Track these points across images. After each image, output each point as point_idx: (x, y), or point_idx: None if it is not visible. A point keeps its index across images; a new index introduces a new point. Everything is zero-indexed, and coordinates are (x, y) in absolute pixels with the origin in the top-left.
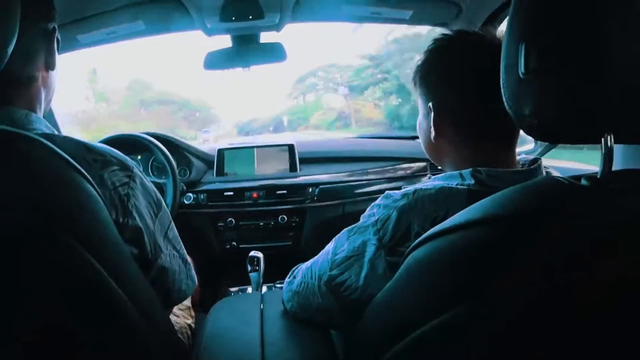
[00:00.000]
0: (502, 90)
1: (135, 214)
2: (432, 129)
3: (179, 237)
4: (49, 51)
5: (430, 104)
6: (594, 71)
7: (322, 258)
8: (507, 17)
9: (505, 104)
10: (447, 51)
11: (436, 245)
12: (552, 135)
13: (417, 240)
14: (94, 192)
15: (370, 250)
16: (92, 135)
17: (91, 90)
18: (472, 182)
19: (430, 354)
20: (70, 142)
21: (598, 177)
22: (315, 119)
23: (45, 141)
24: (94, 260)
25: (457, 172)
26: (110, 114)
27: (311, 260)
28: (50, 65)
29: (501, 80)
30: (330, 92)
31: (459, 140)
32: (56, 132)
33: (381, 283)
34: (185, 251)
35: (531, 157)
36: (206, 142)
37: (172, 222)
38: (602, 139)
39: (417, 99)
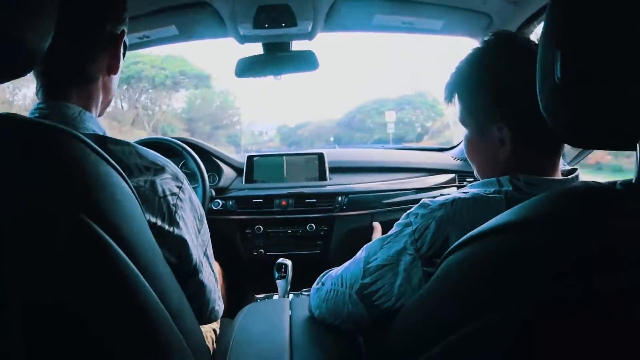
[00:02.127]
0: (538, 97)
1: (182, 225)
2: (508, 146)
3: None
4: (113, 54)
5: (499, 124)
6: (630, 77)
7: (354, 266)
8: (543, 24)
9: (542, 110)
10: (504, 55)
11: (470, 251)
12: (587, 141)
13: (452, 246)
14: (131, 193)
15: (406, 259)
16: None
17: None
18: (510, 188)
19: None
20: (122, 145)
21: (633, 182)
22: None
23: (84, 137)
24: (125, 255)
25: (495, 178)
26: None
27: (341, 267)
28: (112, 69)
29: (537, 86)
30: None
31: (511, 144)
32: (107, 134)
33: (415, 293)
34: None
35: (568, 167)
36: None
37: (210, 240)
38: (638, 145)
39: (463, 117)
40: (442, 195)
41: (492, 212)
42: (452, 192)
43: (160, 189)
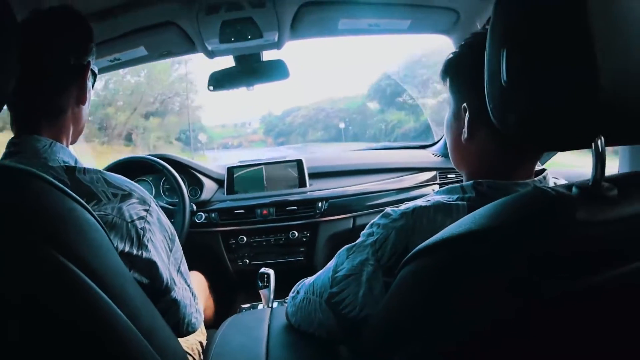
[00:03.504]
0: (486, 98)
1: (150, 247)
2: (465, 130)
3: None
4: (80, 85)
5: (464, 104)
6: (580, 74)
7: (324, 275)
8: (489, 23)
9: (490, 113)
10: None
11: (422, 263)
12: (540, 143)
13: (404, 259)
14: (96, 223)
15: (368, 270)
16: None
17: None
18: (473, 194)
19: None
20: (89, 174)
21: (589, 184)
22: None
23: (46, 176)
24: (93, 282)
25: (459, 185)
26: None
27: (314, 276)
28: (81, 100)
29: (485, 88)
30: None
31: (490, 146)
32: (79, 163)
33: (378, 303)
34: (193, 282)
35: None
36: None
37: (184, 257)
38: (593, 144)
39: (449, 96)
40: (418, 198)
41: (454, 219)
42: (416, 201)
43: (127, 215)
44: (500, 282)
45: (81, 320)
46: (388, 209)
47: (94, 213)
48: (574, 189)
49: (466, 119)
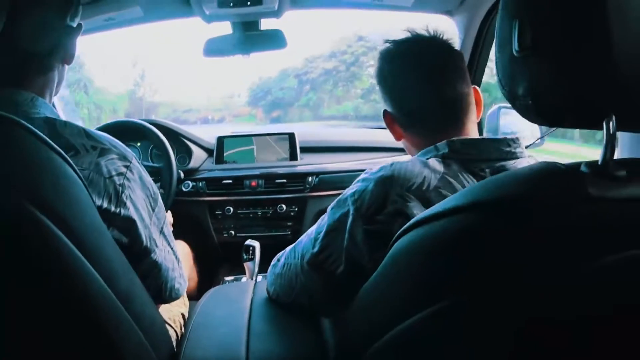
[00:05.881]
0: (495, 70)
1: (129, 204)
2: (391, 133)
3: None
4: (70, 46)
5: (383, 110)
6: (595, 49)
7: (306, 238)
8: None
9: (498, 84)
10: (397, 54)
11: (421, 233)
12: (548, 118)
13: (403, 228)
14: (74, 175)
15: (349, 220)
16: None
17: None
18: (447, 150)
19: (417, 347)
20: (71, 128)
21: (599, 164)
22: None
23: (25, 123)
24: (69, 240)
25: (433, 146)
26: None
27: (294, 243)
28: (68, 60)
29: (495, 59)
30: None
31: (414, 137)
32: (61, 117)
33: (362, 253)
34: (177, 249)
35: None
36: None
37: (167, 219)
38: (604, 124)
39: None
40: None
41: (431, 171)
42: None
43: (105, 170)
44: (506, 256)
45: (53, 279)
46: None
47: (74, 165)
48: (582, 167)
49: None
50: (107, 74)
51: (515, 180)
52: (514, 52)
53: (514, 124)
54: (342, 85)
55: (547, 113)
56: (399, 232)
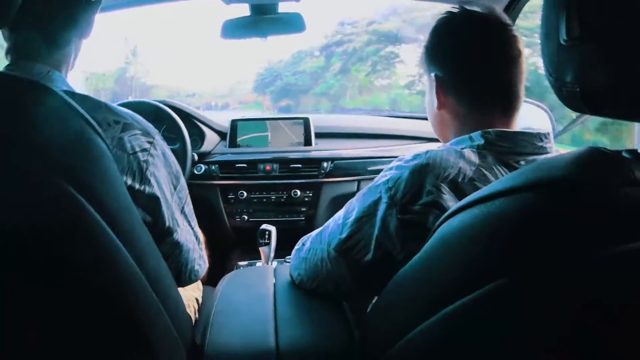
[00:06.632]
0: (542, 58)
1: (153, 182)
2: (435, 98)
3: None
4: (88, 21)
5: (433, 74)
6: None
7: (333, 223)
8: None
9: (545, 71)
10: (452, 26)
11: (472, 214)
12: (593, 106)
13: (450, 210)
14: (107, 150)
15: (382, 208)
16: None
17: None
18: (482, 142)
19: (463, 331)
20: (92, 101)
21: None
22: None
23: (62, 94)
24: (102, 219)
25: (467, 135)
26: None
27: (321, 227)
28: (85, 34)
29: (540, 47)
30: None
31: (459, 109)
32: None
33: (393, 243)
34: (198, 229)
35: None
36: None
37: (189, 197)
38: None
39: (426, 78)
40: None
41: (467, 162)
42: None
43: (129, 146)
44: (560, 239)
45: (86, 259)
46: (401, 155)
47: (106, 141)
48: (624, 153)
49: (435, 88)
50: (91, 47)
51: (567, 162)
52: (562, 41)
53: (523, 119)
54: (382, 69)
55: (593, 102)
56: (446, 214)
